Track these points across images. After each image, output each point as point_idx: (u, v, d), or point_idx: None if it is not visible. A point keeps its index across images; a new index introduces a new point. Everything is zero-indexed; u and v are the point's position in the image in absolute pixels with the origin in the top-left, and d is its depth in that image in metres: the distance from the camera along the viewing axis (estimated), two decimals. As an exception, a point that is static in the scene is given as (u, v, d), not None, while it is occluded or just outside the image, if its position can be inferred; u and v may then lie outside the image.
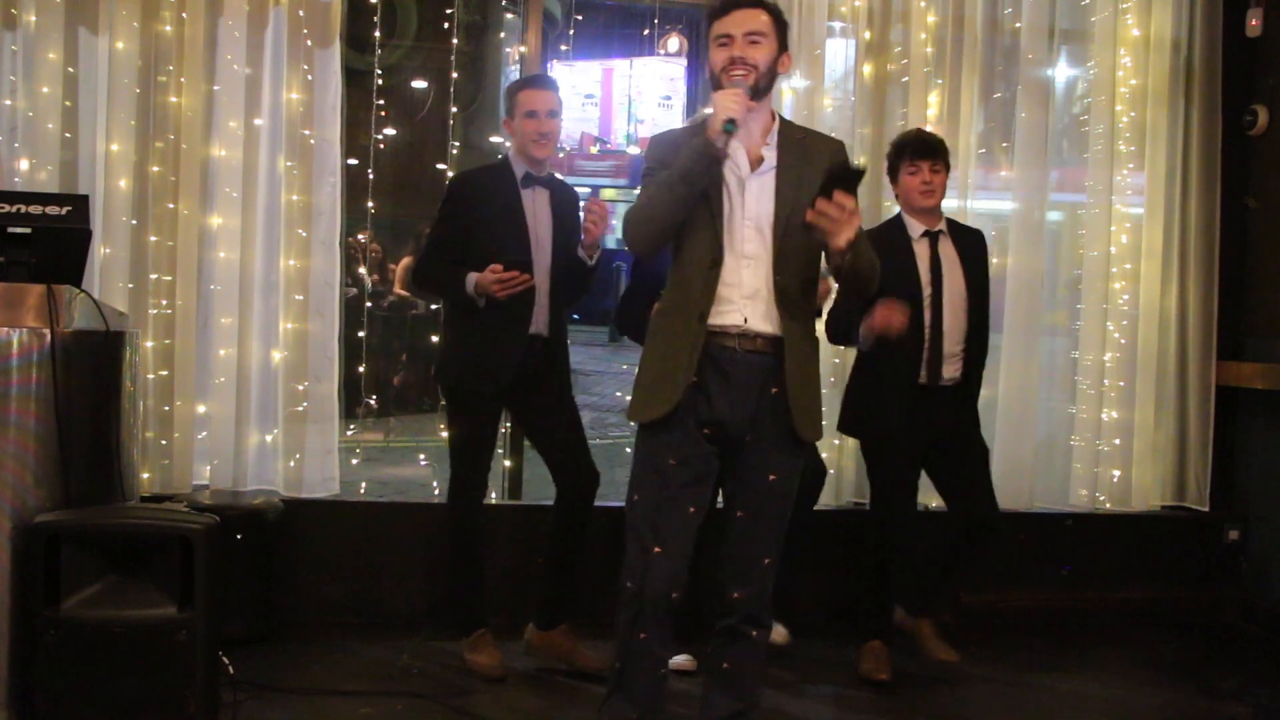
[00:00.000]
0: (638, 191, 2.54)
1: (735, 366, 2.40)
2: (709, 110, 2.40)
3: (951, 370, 3.44)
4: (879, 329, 3.23)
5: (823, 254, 2.46)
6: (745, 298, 2.39)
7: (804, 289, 2.44)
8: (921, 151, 3.45)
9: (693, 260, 2.41)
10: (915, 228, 3.49)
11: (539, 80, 3.47)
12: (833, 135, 4.11)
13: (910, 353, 3.40)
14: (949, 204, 4.21)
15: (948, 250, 3.49)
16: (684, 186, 2.34)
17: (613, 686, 2.48)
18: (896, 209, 3.62)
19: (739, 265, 2.39)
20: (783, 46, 2.44)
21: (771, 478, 2.44)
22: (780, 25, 2.44)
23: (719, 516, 2.59)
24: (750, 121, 2.40)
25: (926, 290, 3.43)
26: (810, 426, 2.45)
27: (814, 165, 2.42)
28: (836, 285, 2.71)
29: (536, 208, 3.36)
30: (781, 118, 2.51)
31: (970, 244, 3.56)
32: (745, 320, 2.39)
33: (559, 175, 3.53)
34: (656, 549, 2.38)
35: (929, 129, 4.21)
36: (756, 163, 2.43)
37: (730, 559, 2.48)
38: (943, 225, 3.51)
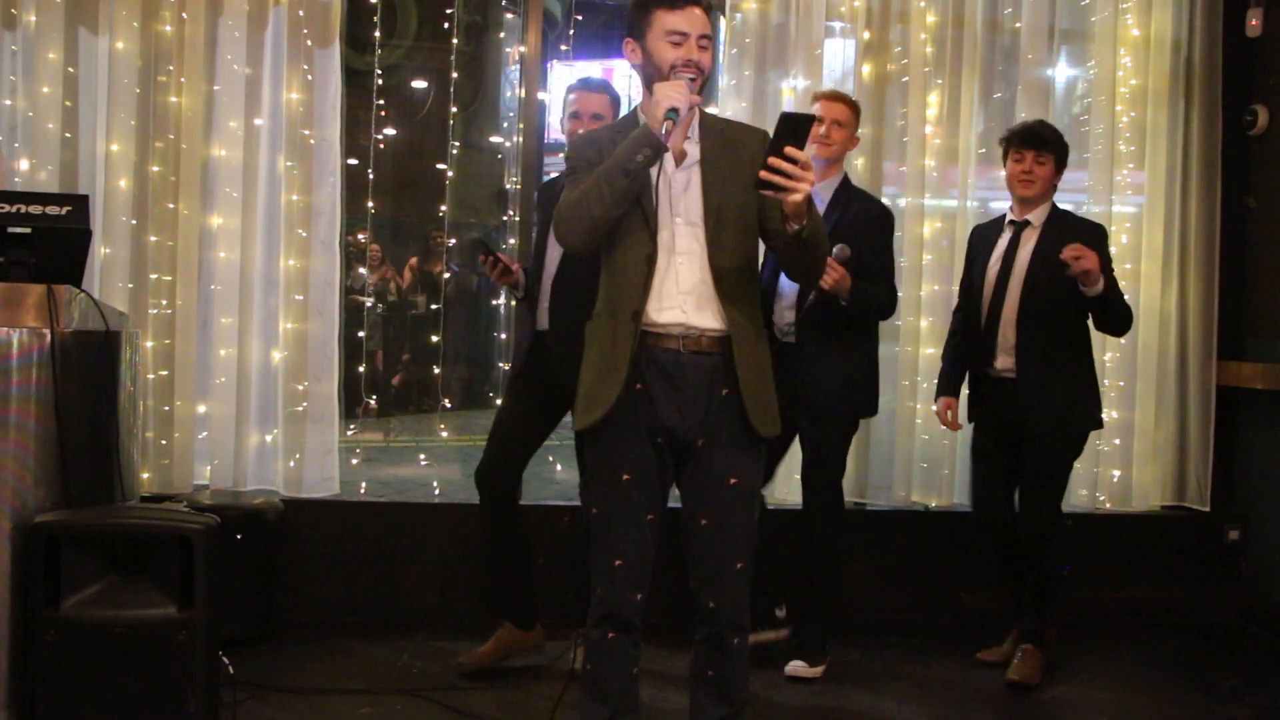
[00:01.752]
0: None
1: (680, 370, 2.35)
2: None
3: (1005, 362, 3.48)
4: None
5: (766, 237, 2.42)
6: (683, 293, 2.35)
7: (743, 280, 2.40)
8: (1026, 140, 3.48)
9: (626, 259, 2.36)
10: (1008, 217, 3.57)
11: (588, 83, 3.48)
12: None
13: (970, 342, 3.57)
14: (948, 202, 4.24)
15: (1029, 243, 3.49)
16: (625, 179, 2.27)
17: (585, 687, 2.47)
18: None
19: (672, 262, 2.35)
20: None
21: (732, 481, 2.39)
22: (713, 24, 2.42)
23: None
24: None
25: (991, 280, 3.50)
26: (767, 421, 2.40)
27: (738, 154, 2.38)
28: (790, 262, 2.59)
29: None
30: (701, 110, 2.45)
31: (1067, 238, 3.38)
32: (686, 317, 2.34)
33: None
34: (618, 561, 2.38)
35: (928, 129, 4.23)
36: (680, 158, 2.39)
37: (700, 568, 2.43)
38: (1033, 216, 3.50)
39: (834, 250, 3.30)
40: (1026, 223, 3.52)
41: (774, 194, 2.21)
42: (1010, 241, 3.52)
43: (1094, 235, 3.48)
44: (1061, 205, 3.61)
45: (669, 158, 2.37)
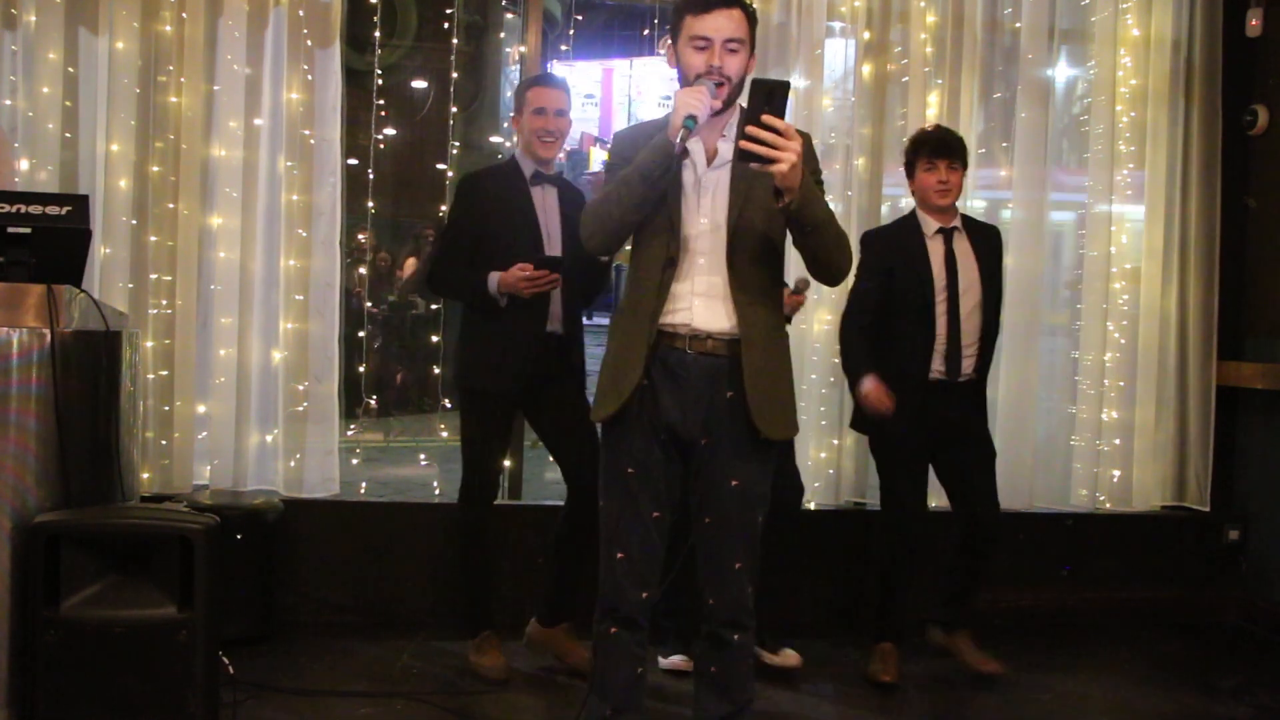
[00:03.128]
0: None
1: (685, 370, 2.36)
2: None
3: (969, 367, 3.46)
4: (865, 406, 3.35)
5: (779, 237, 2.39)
6: (697, 295, 2.35)
7: (764, 280, 2.38)
8: (938, 150, 3.46)
9: (648, 259, 2.36)
10: (930, 224, 3.50)
11: (548, 78, 3.47)
12: (831, 135, 4.18)
13: (919, 350, 3.43)
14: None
15: (963, 246, 3.49)
16: (643, 185, 2.27)
17: (591, 686, 2.49)
18: (908, 206, 3.64)
19: (693, 263, 2.35)
20: (752, 48, 2.38)
21: (734, 483, 2.39)
22: (753, 25, 2.37)
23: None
24: (710, 118, 2.31)
25: (941, 287, 3.45)
26: (775, 423, 2.38)
27: None
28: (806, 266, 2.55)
29: (546, 205, 3.36)
30: (741, 107, 2.36)
31: (985, 240, 3.56)
32: (693, 318, 2.34)
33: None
34: (620, 555, 2.40)
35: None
36: (712, 156, 2.38)
37: (703, 566, 2.45)
38: (958, 222, 3.52)
39: (793, 283, 3.35)
40: (954, 228, 3.50)
41: (759, 166, 2.18)
42: (947, 250, 3.47)
43: (995, 236, 3.62)
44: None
45: (701, 158, 2.37)
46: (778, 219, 2.33)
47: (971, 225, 3.58)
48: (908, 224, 3.56)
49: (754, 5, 4.10)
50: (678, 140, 2.20)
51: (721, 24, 2.31)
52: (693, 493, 2.46)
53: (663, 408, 2.37)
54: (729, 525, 2.41)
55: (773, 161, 2.15)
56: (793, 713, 3.26)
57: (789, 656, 3.51)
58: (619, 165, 2.38)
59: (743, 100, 2.43)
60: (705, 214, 2.36)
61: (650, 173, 2.26)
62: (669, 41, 2.41)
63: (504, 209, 3.33)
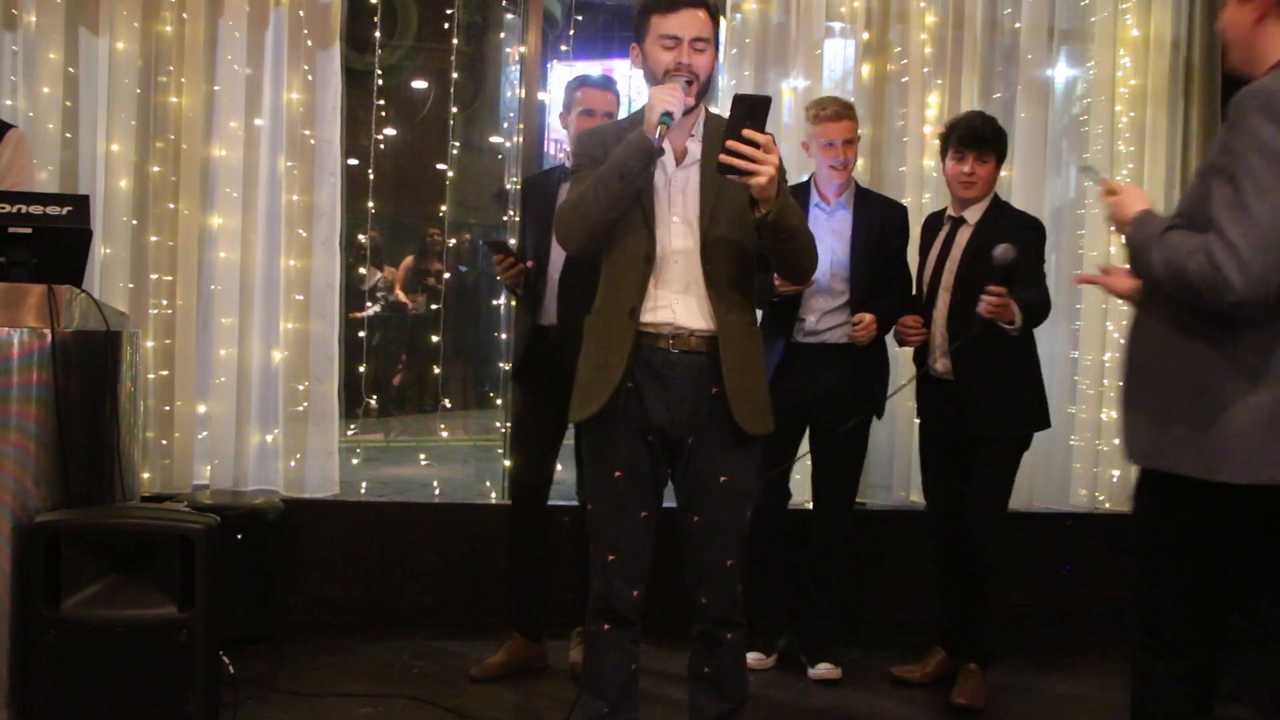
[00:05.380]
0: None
1: (671, 369, 2.36)
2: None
3: (944, 364, 3.31)
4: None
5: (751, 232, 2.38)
6: (676, 294, 2.36)
7: (737, 280, 2.40)
8: (966, 140, 3.29)
9: (625, 257, 2.37)
10: (948, 211, 3.43)
11: (600, 80, 3.46)
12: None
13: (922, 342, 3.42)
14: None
15: (963, 239, 3.34)
16: (620, 183, 2.29)
17: (584, 683, 2.50)
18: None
19: (670, 262, 2.36)
20: (716, 47, 2.41)
21: (723, 479, 2.40)
22: (717, 25, 2.40)
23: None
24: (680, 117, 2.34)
25: (926, 276, 3.41)
26: (754, 420, 2.39)
27: None
28: (775, 267, 2.61)
29: None
30: (707, 109, 2.46)
31: (1006, 233, 3.21)
32: (675, 317, 2.36)
33: None
34: (612, 557, 2.41)
35: (928, 129, 4.23)
36: (681, 156, 2.40)
37: (693, 564, 2.45)
38: (968, 214, 3.35)
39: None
40: (963, 220, 3.37)
41: (738, 178, 2.22)
42: (946, 238, 3.39)
43: (1029, 231, 3.32)
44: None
45: (670, 157, 2.38)
46: (748, 219, 2.35)
47: (997, 217, 3.34)
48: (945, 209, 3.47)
49: (752, 5, 4.15)
50: (656, 136, 2.23)
51: (689, 23, 2.33)
52: (678, 492, 2.46)
53: (649, 409, 2.37)
54: (719, 522, 2.42)
55: (752, 174, 2.19)
56: (792, 711, 3.26)
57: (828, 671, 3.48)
58: (586, 167, 2.40)
59: (709, 103, 2.47)
60: (678, 213, 2.38)
61: (629, 170, 2.28)
62: (635, 45, 2.43)
63: (534, 208, 3.44)
